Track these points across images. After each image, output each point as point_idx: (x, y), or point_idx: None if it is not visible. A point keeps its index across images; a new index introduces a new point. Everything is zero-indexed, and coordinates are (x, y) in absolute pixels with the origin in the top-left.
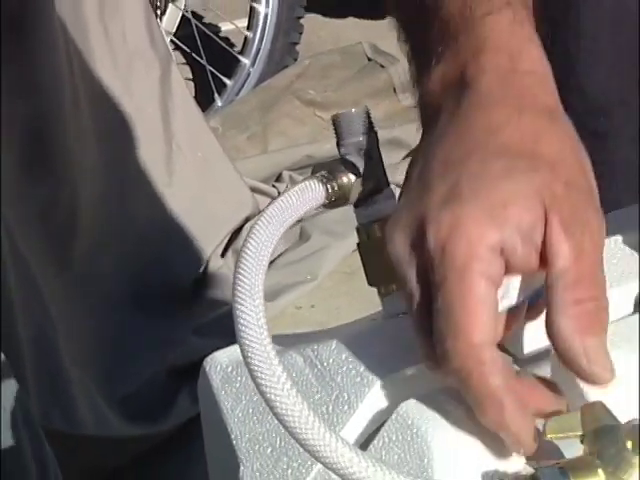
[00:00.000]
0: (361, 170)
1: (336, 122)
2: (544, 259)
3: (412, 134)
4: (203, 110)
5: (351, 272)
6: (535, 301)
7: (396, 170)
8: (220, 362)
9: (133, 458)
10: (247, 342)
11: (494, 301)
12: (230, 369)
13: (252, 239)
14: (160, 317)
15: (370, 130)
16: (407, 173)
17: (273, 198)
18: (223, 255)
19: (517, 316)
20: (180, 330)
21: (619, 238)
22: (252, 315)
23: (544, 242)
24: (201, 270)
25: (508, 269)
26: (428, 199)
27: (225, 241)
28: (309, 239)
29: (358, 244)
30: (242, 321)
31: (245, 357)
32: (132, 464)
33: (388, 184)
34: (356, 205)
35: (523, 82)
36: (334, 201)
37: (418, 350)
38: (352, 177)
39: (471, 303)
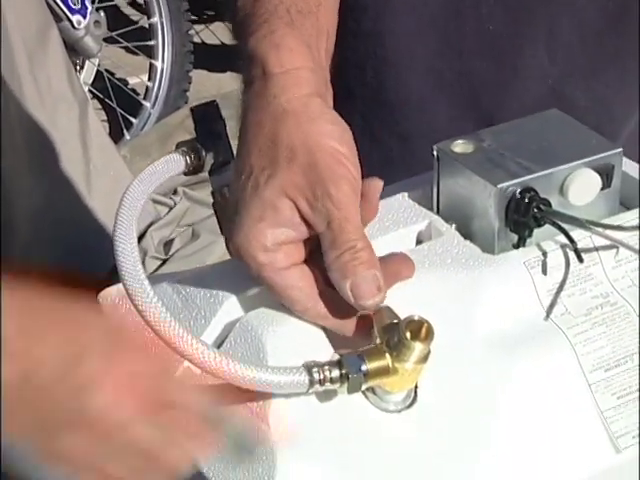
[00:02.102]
0: (212, 147)
1: (193, 112)
2: None
3: None
4: (115, 142)
5: None
6: None
7: None
8: (110, 294)
9: None
10: (124, 268)
11: None
12: (117, 300)
13: (128, 195)
14: None
15: (219, 118)
16: None
17: (169, 207)
18: None
19: None
20: None
21: (406, 194)
22: (128, 249)
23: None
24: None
25: None
26: None
27: None
28: (199, 238)
29: (213, 204)
30: (120, 254)
31: (122, 279)
32: None
33: (234, 157)
34: (210, 174)
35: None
36: (192, 170)
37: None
38: (205, 152)
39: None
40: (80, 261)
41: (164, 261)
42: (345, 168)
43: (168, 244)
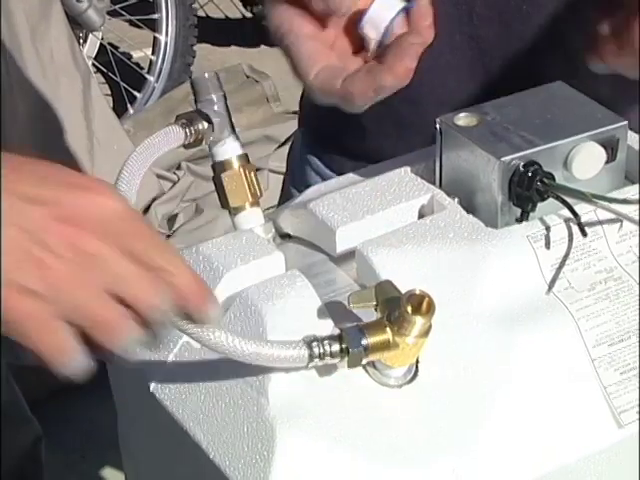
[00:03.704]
0: (212, 120)
1: (193, 84)
2: None
3: (281, 132)
4: (119, 117)
5: None
6: None
7: (269, 158)
8: None
9: (55, 391)
10: None
11: None
12: None
13: (126, 167)
14: None
15: (219, 90)
16: None
17: (173, 182)
18: None
19: None
20: None
21: (408, 168)
22: None
23: None
24: None
25: None
26: None
27: None
28: (203, 212)
29: (213, 177)
30: None
31: None
32: (53, 395)
33: (234, 131)
34: (210, 147)
35: None
36: (192, 142)
37: None
38: (206, 124)
39: None
40: None
41: (168, 236)
42: None
43: (172, 219)
